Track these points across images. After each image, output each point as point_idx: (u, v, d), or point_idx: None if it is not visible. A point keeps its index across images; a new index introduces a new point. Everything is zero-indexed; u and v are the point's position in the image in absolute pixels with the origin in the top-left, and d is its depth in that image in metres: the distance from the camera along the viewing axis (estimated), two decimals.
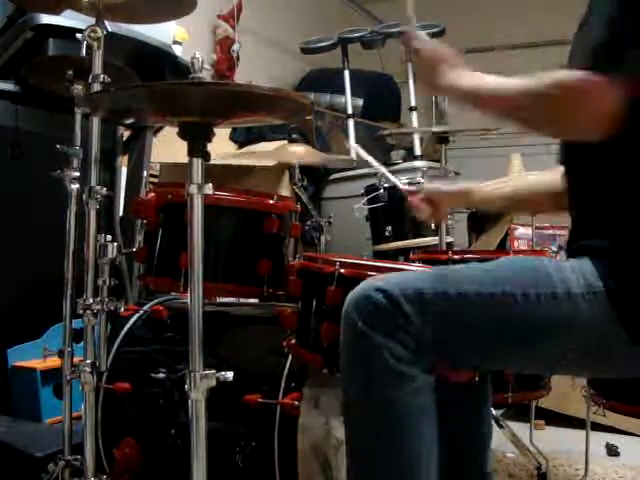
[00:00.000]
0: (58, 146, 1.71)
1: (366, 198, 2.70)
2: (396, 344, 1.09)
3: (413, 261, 1.98)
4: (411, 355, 1.10)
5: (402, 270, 1.41)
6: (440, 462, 1.16)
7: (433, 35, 3.52)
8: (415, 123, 3.43)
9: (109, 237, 1.59)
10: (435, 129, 2.43)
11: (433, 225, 2.60)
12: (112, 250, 1.57)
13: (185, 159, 1.18)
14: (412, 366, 1.10)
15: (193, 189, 1.16)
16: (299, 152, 2.30)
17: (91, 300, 1.57)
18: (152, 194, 1.78)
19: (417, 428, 1.12)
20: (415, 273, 1.20)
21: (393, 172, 2.83)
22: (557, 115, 1.10)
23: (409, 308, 1.10)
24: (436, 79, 1.25)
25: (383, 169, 1.92)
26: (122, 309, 1.60)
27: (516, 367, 1.53)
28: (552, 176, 1.44)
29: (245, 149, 3.47)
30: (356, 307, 1.12)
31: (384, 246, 2.68)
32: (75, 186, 1.71)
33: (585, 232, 1.21)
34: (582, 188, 1.23)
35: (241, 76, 4.45)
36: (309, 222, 2.46)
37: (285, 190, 3.13)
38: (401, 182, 1.87)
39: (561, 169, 1.34)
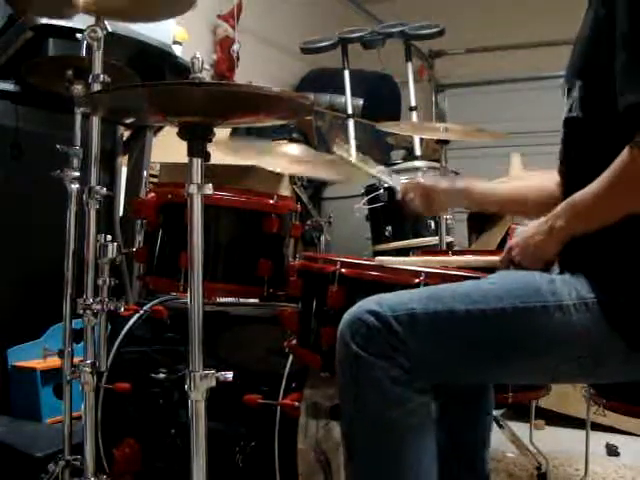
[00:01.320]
0: (58, 146, 1.71)
1: (366, 198, 2.70)
2: (390, 365, 1.10)
3: None
4: (406, 375, 1.11)
5: (402, 270, 1.41)
6: (441, 461, 1.16)
7: (433, 35, 3.52)
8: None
9: (109, 237, 1.59)
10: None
11: (433, 224, 2.60)
12: (112, 250, 1.57)
13: (185, 159, 1.18)
14: (407, 387, 1.11)
15: (193, 189, 1.17)
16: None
17: (91, 300, 1.57)
18: (152, 194, 1.78)
19: (413, 449, 1.13)
20: (409, 293, 1.20)
21: (393, 172, 2.83)
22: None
23: (401, 329, 1.11)
24: (542, 254, 1.21)
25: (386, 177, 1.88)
26: (122, 309, 1.60)
27: (513, 379, 1.53)
28: (540, 182, 1.44)
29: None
30: (350, 328, 1.13)
31: (384, 246, 2.68)
32: (75, 186, 1.71)
33: (577, 243, 1.21)
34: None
35: (241, 76, 4.45)
36: (309, 222, 2.46)
37: (285, 190, 3.13)
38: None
39: (555, 176, 1.34)
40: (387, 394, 1.11)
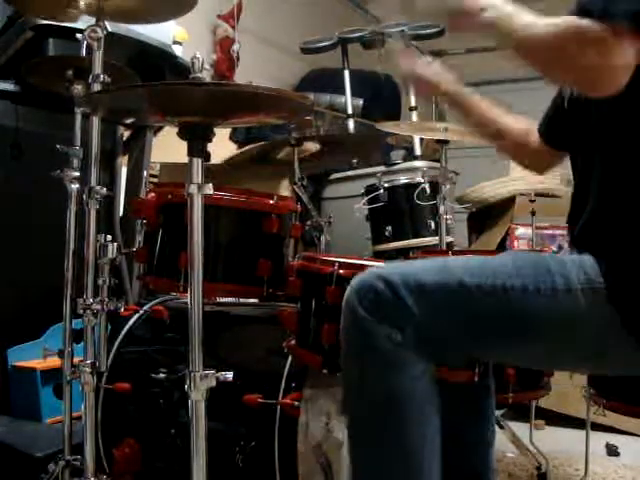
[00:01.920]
0: (58, 146, 1.71)
1: (366, 198, 2.70)
2: (395, 330, 1.11)
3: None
4: (410, 342, 1.11)
5: None
6: (444, 461, 1.16)
7: (433, 35, 3.53)
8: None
9: (109, 237, 1.59)
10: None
11: (433, 224, 2.60)
12: (112, 250, 1.57)
13: (185, 159, 1.18)
14: (411, 353, 1.11)
15: (193, 189, 1.17)
16: None
17: (91, 300, 1.57)
18: (152, 194, 1.78)
19: (417, 413, 1.13)
20: (420, 263, 1.21)
21: (393, 172, 2.84)
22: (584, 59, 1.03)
23: (409, 297, 1.11)
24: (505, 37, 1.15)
25: None
26: (122, 309, 1.60)
27: (513, 360, 1.52)
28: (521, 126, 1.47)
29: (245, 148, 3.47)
30: (357, 293, 1.13)
31: (384, 246, 2.68)
32: (75, 186, 1.71)
33: (589, 224, 1.21)
34: (591, 182, 1.23)
35: (241, 76, 4.45)
36: (309, 222, 2.46)
37: (285, 190, 3.13)
38: None
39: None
40: (391, 358, 1.11)
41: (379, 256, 2.65)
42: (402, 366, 1.12)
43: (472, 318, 1.15)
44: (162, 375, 1.71)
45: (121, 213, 2.64)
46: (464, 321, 1.15)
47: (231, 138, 3.63)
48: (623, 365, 1.18)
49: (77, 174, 1.71)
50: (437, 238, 2.46)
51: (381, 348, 1.11)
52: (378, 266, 1.17)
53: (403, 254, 2.57)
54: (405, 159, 3.60)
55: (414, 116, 3.60)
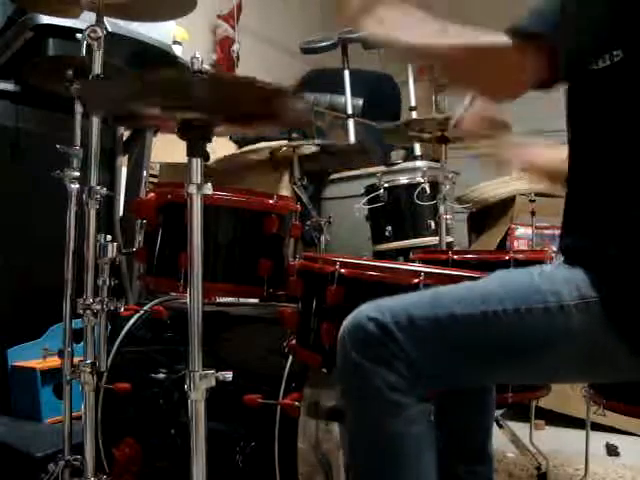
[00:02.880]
0: (58, 146, 1.71)
1: (366, 198, 2.70)
2: (389, 372, 1.09)
3: (413, 261, 1.98)
4: (405, 382, 1.09)
5: (402, 270, 1.41)
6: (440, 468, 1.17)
7: None
8: None
9: (109, 237, 1.59)
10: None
11: (433, 224, 2.61)
12: (112, 250, 1.57)
13: (185, 159, 1.18)
14: (406, 395, 1.10)
15: (192, 189, 1.16)
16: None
17: (91, 300, 1.57)
18: (152, 194, 1.78)
19: (414, 457, 1.12)
20: (408, 298, 1.19)
21: (393, 172, 2.83)
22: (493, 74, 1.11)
23: (401, 335, 1.09)
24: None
25: None
26: (122, 309, 1.60)
27: (515, 380, 1.53)
28: None
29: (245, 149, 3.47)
30: (349, 336, 1.12)
31: (384, 246, 2.68)
32: (75, 186, 1.71)
33: (578, 229, 1.20)
34: (580, 184, 1.22)
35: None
36: (309, 222, 2.46)
37: (285, 190, 3.13)
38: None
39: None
40: (387, 402, 1.10)
41: (379, 256, 2.66)
42: (398, 410, 1.10)
43: (467, 348, 1.13)
44: (162, 375, 1.72)
45: (121, 213, 2.64)
46: (459, 353, 1.13)
47: (231, 138, 3.63)
48: (623, 373, 1.17)
49: (77, 174, 1.71)
50: (437, 238, 2.46)
51: (376, 390, 1.09)
52: (366, 305, 1.14)
53: (403, 254, 2.57)
54: (405, 159, 3.60)
55: (414, 116, 3.60)
